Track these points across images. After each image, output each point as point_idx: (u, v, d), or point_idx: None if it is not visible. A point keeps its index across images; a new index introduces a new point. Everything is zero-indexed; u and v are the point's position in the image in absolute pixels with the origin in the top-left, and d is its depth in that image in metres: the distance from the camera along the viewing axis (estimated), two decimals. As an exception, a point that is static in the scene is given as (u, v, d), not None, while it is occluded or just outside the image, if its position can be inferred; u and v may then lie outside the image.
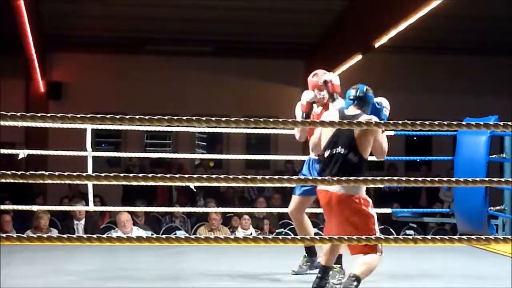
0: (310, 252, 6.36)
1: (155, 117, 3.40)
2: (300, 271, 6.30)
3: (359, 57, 13.81)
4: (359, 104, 5.57)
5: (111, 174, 3.35)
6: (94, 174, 3.41)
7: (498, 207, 8.73)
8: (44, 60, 16.23)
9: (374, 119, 5.44)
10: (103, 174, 3.36)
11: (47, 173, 3.30)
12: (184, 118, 3.40)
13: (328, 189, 5.28)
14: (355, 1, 13.37)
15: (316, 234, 10.88)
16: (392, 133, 9.04)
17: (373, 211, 5.35)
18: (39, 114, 3.34)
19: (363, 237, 3.69)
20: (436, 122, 3.53)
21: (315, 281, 5.55)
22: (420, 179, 3.60)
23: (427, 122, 3.57)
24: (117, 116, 3.36)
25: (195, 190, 12.06)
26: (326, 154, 5.34)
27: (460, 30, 15.21)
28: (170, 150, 17.67)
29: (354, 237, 3.72)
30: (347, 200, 5.26)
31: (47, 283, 5.87)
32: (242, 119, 3.46)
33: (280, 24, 15.18)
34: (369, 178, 3.63)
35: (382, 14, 11.90)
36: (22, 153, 8.25)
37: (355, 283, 5.22)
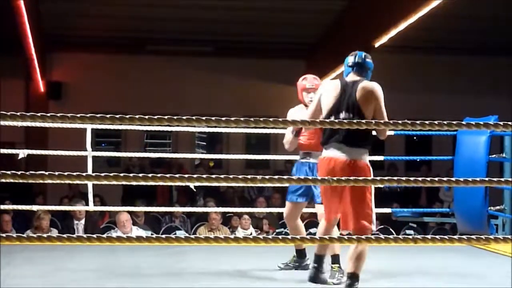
0: (300, 254, 6.46)
1: (155, 117, 3.40)
2: (285, 268, 6.40)
3: (359, 57, 13.77)
4: (358, 70, 5.59)
5: (111, 174, 3.35)
6: (94, 174, 3.41)
7: (498, 207, 8.73)
8: (44, 60, 16.23)
9: (375, 84, 5.50)
10: (103, 174, 3.36)
11: (47, 173, 3.30)
12: (184, 118, 3.40)
13: (332, 156, 5.31)
14: (355, 1, 13.37)
15: (316, 233, 10.90)
16: (392, 133, 9.05)
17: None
18: (39, 114, 3.34)
19: (363, 237, 3.69)
20: (436, 122, 3.53)
21: (310, 271, 5.64)
22: (420, 179, 3.60)
23: (427, 122, 3.57)
24: (117, 116, 3.36)
25: (195, 190, 12.07)
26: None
27: (460, 30, 15.21)
28: (170, 150, 17.67)
29: (354, 237, 3.72)
30: (352, 165, 5.27)
31: (47, 283, 5.87)
32: (242, 119, 3.47)
33: (280, 24, 15.18)
34: (370, 178, 3.63)
35: (382, 14, 11.89)
36: (22, 153, 8.25)
37: (355, 282, 5.24)
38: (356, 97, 5.33)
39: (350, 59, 5.64)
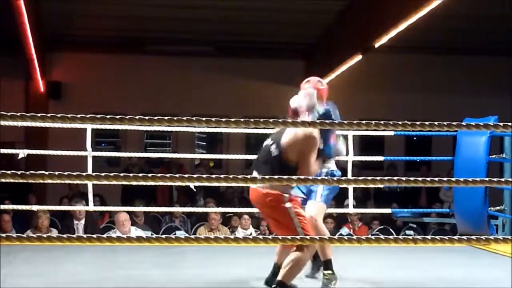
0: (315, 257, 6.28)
1: (155, 117, 3.40)
2: (311, 275, 6.21)
3: (359, 57, 13.79)
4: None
5: (111, 174, 3.35)
6: (94, 174, 3.41)
7: (498, 207, 8.73)
8: (44, 59, 16.23)
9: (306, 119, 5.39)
10: (103, 174, 3.36)
11: (47, 173, 3.30)
12: (184, 118, 3.40)
13: (254, 186, 5.38)
14: (355, 1, 13.36)
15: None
16: (392, 133, 9.05)
17: (289, 205, 5.27)
18: (39, 114, 3.33)
19: (363, 237, 3.68)
20: (436, 123, 3.53)
21: (267, 277, 5.66)
22: (420, 179, 3.60)
23: (427, 123, 3.57)
24: (117, 116, 3.36)
25: (195, 190, 12.07)
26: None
27: (460, 30, 15.20)
28: (170, 150, 17.67)
29: (354, 237, 3.72)
30: (264, 197, 5.29)
31: (47, 283, 5.87)
32: (242, 119, 3.46)
33: (279, 24, 15.18)
34: (369, 178, 3.63)
35: (382, 14, 11.89)
36: (22, 153, 8.25)
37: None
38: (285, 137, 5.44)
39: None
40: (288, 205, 5.25)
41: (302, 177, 3.56)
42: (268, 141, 5.44)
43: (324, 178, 3.79)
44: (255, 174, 5.34)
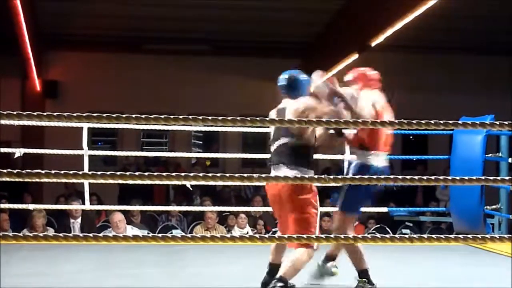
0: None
1: (152, 116, 3.39)
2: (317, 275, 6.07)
3: (355, 56, 13.81)
4: (287, 93, 5.58)
5: (108, 173, 3.35)
6: (90, 173, 3.40)
7: (494, 206, 8.75)
8: (40, 58, 16.22)
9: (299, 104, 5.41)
10: (99, 173, 3.35)
11: (43, 172, 3.30)
12: (181, 117, 3.40)
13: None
14: (352, 0, 13.37)
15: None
16: (389, 132, 9.04)
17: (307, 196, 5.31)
18: (35, 113, 3.33)
19: (359, 236, 3.69)
20: (432, 122, 3.53)
21: (264, 278, 5.59)
22: (416, 177, 3.61)
23: (423, 121, 3.57)
24: (114, 115, 3.35)
25: (191, 189, 12.06)
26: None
27: (458, 29, 15.22)
28: (167, 149, 17.67)
29: (351, 236, 3.72)
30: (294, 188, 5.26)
31: (43, 282, 5.87)
32: (238, 118, 3.46)
33: (277, 23, 15.19)
34: (366, 177, 3.63)
35: (379, 13, 11.90)
36: (18, 152, 8.24)
37: (279, 284, 5.22)
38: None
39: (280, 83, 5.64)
40: (306, 196, 5.29)
41: (298, 176, 3.56)
42: (273, 143, 5.48)
43: (321, 177, 3.77)
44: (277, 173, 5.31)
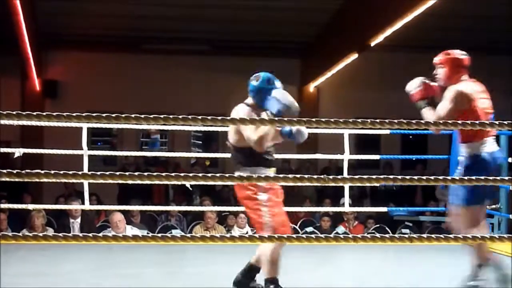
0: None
1: (151, 116, 3.39)
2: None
3: (355, 56, 13.81)
4: (253, 97, 5.57)
5: (107, 173, 3.34)
6: (90, 173, 3.40)
7: (493, 206, 8.74)
8: (39, 58, 16.21)
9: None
10: (99, 173, 3.35)
11: (42, 172, 3.30)
12: (180, 116, 3.40)
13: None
14: (351, 0, 13.37)
15: (312, 232, 10.91)
16: (388, 132, 9.06)
17: (263, 197, 5.28)
18: (34, 113, 3.32)
19: (359, 235, 3.68)
20: (431, 121, 3.54)
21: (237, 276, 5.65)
22: (415, 177, 3.60)
23: (422, 121, 3.57)
24: (113, 115, 3.35)
25: (191, 189, 12.06)
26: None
27: (457, 29, 15.21)
28: (166, 149, 17.66)
29: (350, 236, 3.72)
30: (240, 189, 5.36)
31: (43, 282, 5.87)
32: (238, 118, 3.46)
33: (276, 23, 15.18)
34: (365, 177, 3.63)
35: (378, 13, 11.90)
36: (18, 152, 8.24)
37: (271, 286, 5.27)
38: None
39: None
40: (261, 196, 5.26)
41: (291, 176, 3.55)
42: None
43: (328, 177, 3.76)
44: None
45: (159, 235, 3.49)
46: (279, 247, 5.30)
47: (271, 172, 5.33)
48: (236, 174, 5.27)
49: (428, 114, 5.49)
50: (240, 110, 5.47)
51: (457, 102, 5.39)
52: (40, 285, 5.74)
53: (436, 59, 5.74)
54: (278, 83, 5.52)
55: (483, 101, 5.54)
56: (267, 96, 5.35)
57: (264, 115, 5.42)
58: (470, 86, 5.55)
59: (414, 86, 5.71)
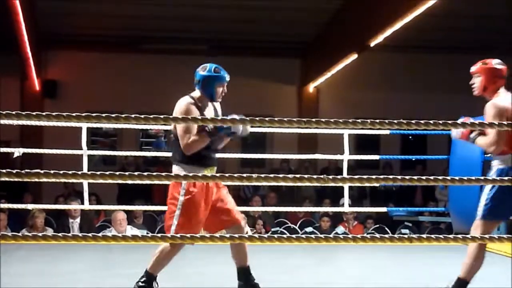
0: None
1: (151, 116, 3.39)
2: None
3: (354, 56, 13.81)
4: (200, 88, 5.59)
5: (107, 173, 3.34)
6: (89, 173, 3.40)
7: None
8: (39, 58, 16.20)
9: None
10: (98, 173, 3.35)
11: (42, 172, 3.30)
12: (181, 116, 3.40)
13: None
14: (352, 0, 13.37)
15: (311, 232, 10.92)
16: (387, 132, 9.06)
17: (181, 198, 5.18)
18: (34, 113, 3.33)
19: (359, 236, 3.69)
20: (431, 121, 3.53)
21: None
22: (415, 177, 3.60)
23: (422, 121, 3.57)
24: (113, 115, 3.35)
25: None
26: None
27: (457, 29, 15.20)
28: (166, 149, 17.64)
29: (350, 236, 3.72)
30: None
31: (42, 282, 5.87)
32: (238, 118, 3.46)
33: (276, 23, 15.17)
34: (365, 177, 3.63)
35: (377, 13, 11.89)
36: (17, 152, 8.24)
37: (143, 279, 5.36)
38: None
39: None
40: (180, 198, 5.17)
41: (291, 176, 3.56)
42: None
43: (320, 177, 3.76)
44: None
45: (159, 235, 3.49)
46: (173, 250, 5.33)
47: (207, 172, 5.15)
48: (173, 168, 5.21)
49: (482, 142, 5.40)
50: (182, 102, 5.40)
51: (500, 116, 5.23)
52: (40, 285, 5.74)
53: (473, 68, 5.67)
54: (226, 74, 5.69)
55: None
56: (213, 85, 5.53)
57: (210, 106, 5.50)
58: (507, 99, 5.42)
59: (456, 131, 5.67)
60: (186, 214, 5.19)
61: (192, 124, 5.14)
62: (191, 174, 3.47)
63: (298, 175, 3.47)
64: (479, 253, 5.30)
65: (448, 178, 3.81)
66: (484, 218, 5.43)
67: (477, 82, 5.61)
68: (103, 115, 3.34)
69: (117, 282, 5.97)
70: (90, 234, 3.30)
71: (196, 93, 5.53)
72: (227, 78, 5.51)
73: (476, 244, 5.20)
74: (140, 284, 5.37)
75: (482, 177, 3.80)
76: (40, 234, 3.38)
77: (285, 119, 3.48)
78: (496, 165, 5.39)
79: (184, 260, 7.05)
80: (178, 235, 3.41)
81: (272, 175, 3.56)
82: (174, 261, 6.87)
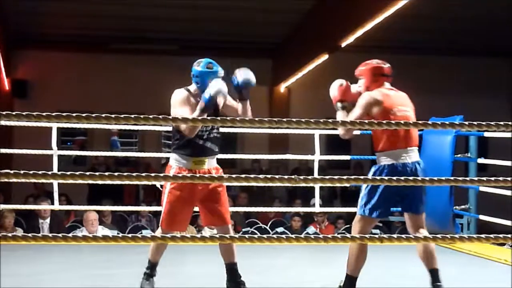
0: None
1: (122, 116, 3.38)
2: None
3: (325, 57, 13.85)
4: (196, 83, 5.78)
5: (77, 173, 3.33)
6: (59, 173, 3.38)
7: (463, 206, 8.81)
8: (8, 57, 16.10)
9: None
10: (68, 173, 3.33)
11: (12, 172, 3.27)
12: (151, 116, 3.39)
13: None
14: (323, 0, 13.40)
15: (282, 233, 10.92)
16: (359, 132, 9.10)
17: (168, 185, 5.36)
18: (4, 112, 3.30)
19: (329, 236, 3.69)
20: (402, 122, 3.56)
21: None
22: (385, 178, 3.62)
23: (393, 122, 3.59)
24: (83, 115, 3.34)
25: (161, 189, 12.00)
26: None
27: (427, 30, 15.29)
28: (137, 149, 17.60)
29: (321, 236, 3.72)
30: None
31: (11, 283, 5.82)
32: (208, 118, 3.46)
33: (247, 23, 15.18)
34: (336, 177, 3.64)
35: (349, 14, 11.94)
36: (-13, 152, 8.17)
37: (146, 266, 5.62)
38: None
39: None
40: (168, 186, 5.33)
41: (262, 176, 3.56)
42: None
43: (308, 178, 3.77)
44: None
45: (130, 235, 3.48)
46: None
47: (195, 162, 5.19)
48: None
49: (340, 117, 5.47)
50: (178, 91, 5.70)
51: (366, 107, 5.41)
52: (7, 285, 5.69)
53: (356, 71, 5.81)
54: (219, 69, 5.81)
55: (401, 110, 5.58)
56: (206, 80, 5.64)
57: None
58: (385, 93, 5.61)
59: (335, 86, 5.66)
60: (170, 202, 5.34)
61: (185, 108, 5.46)
62: (153, 175, 3.45)
63: (269, 176, 3.48)
64: (361, 246, 5.52)
65: (418, 178, 3.84)
66: (361, 214, 5.54)
67: (360, 84, 5.73)
68: (74, 114, 3.32)
69: (88, 283, 5.95)
70: (60, 234, 3.28)
71: (192, 86, 5.76)
72: (221, 73, 5.56)
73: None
74: (145, 271, 5.64)
75: (452, 178, 3.82)
76: (9, 234, 3.35)
77: (256, 119, 3.49)
78: (378, 162, 5.59)
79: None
80: (149, 235, 3.41)
81: (243, 175, 3.56)
82: (141, 261, 6.85)
